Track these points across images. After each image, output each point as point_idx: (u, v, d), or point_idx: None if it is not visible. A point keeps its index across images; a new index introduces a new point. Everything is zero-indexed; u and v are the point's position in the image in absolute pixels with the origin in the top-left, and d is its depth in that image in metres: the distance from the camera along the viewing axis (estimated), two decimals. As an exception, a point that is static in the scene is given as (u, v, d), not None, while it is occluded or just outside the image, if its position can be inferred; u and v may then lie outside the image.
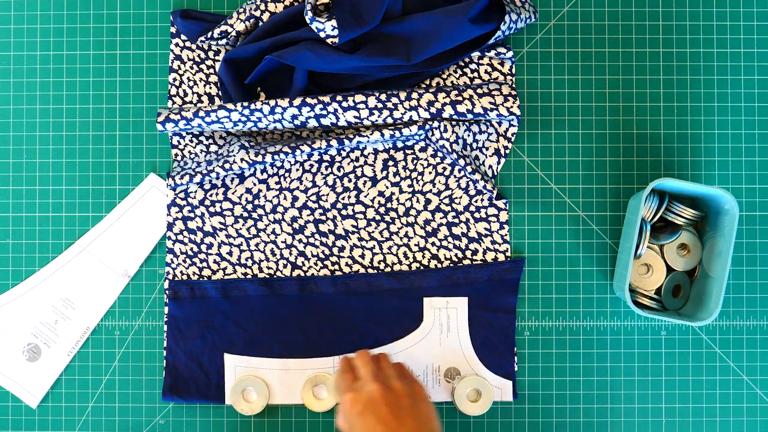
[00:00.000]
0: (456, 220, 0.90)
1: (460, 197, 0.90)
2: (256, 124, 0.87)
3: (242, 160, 0.87)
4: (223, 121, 0.86)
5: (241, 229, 0.90)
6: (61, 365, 0.89)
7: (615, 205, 0.90)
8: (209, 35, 0.87)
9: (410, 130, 0.87)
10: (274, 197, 0.90)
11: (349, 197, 0.90)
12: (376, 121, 0.87)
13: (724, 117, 0.90)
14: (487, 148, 0.89)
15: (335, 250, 0.90)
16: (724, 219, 0.84)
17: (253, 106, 0.85)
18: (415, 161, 0.90)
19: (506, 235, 0.90)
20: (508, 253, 0.90)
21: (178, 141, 0.90)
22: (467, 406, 0.87)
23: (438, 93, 0.86)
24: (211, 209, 0.90)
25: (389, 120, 0.86)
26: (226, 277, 0.90)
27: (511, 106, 0.86)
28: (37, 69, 0.90)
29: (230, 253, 0.90)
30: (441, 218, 0.90)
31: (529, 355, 0.89)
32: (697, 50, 0.90)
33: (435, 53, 0.86)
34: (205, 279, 0.89)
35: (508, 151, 0.90)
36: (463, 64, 0.90)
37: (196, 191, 0.90)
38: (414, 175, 0.90)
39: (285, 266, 0.90)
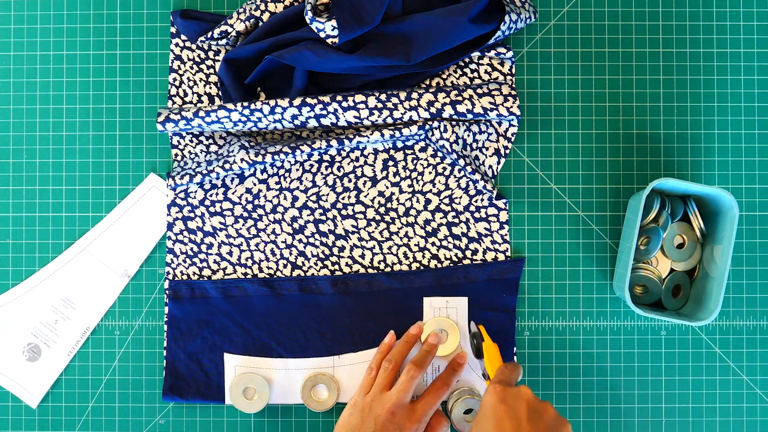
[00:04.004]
0: (456, 220, 0.90)
1: (460, 197, 0.90)
2: (256, 124, 0.87)
3: (242, 160, 0.87)
4: (223, 121, 0.86)
5: (241, 229, 0.90)
6: (61, 365, 0.89)
7: (615, 205, 0.90)
8: (209, 35, 0.87)
9: (410, 130, 0.87)
10: (274, 197, 0.90)
11: (349, 197, 0.90)
12: (376, 121, 0.86)
13: (724, 117, 0.90)
14: (487, 148, 0.89)
15: (335, 250, 0.90)
16: (724, 219, 0.84)
17: (253, 106, 0.85)
18: (415, 161, 0.90)
19: (506, 235, 0.90)
20: (508, 253, 0.90)
21: (178, 141, 0.90)
22: (465, 426, 0.87)
23: (438, 93, 0.86)
24: (211, 209, 0.90)
25: (389, 120, 0.86)
26: (226, 277, 0.90)
27: (511, 106, 0.86)
28: (37, 69, 0.90)
29: (230, 253, 0.90)
30: (441, 218, 0.90)
31: (529, 355, 0.89)
32: (697, 50, 0.90)
33: (435, 53, 0.86)
34: (205, 279, 0.89)
35: (508, 151, 0.90)
36: (463, 64, 0.90)
37: (196, 191, 0.90)
38: (414, 175, 0.90)
39: (285, 266, 0.90)
